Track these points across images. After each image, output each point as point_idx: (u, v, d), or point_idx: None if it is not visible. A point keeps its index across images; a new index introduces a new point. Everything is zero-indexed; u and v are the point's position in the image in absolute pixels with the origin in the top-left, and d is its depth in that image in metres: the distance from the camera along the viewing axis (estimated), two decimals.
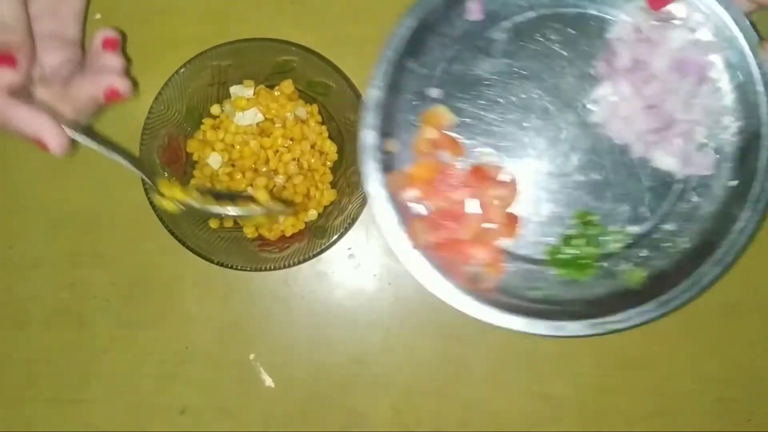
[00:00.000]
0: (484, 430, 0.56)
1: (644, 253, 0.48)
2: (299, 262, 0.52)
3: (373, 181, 0.48)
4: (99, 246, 0.58)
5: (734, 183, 0.46)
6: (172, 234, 0.51)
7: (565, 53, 0.49)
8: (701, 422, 0.55)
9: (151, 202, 0.48)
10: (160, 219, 0.51)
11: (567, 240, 0.48)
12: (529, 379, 0.56)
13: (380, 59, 0.48)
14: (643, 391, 0.56)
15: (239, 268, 0.52)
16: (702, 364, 0.56)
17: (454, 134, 0.50)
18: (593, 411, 0.56)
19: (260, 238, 0.56)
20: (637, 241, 0.48)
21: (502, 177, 0.49)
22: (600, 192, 0.49)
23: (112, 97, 0.39)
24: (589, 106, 0.49)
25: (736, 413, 0.55)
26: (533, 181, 0.49)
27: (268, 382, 0.57)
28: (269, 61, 0.54)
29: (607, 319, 0.45)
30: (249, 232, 0.55)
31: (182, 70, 0.52)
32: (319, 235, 0.54)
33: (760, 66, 0.44)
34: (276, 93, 0.56)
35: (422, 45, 0.49)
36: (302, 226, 0.55)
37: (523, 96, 0.50)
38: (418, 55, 0.49)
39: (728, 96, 0.47)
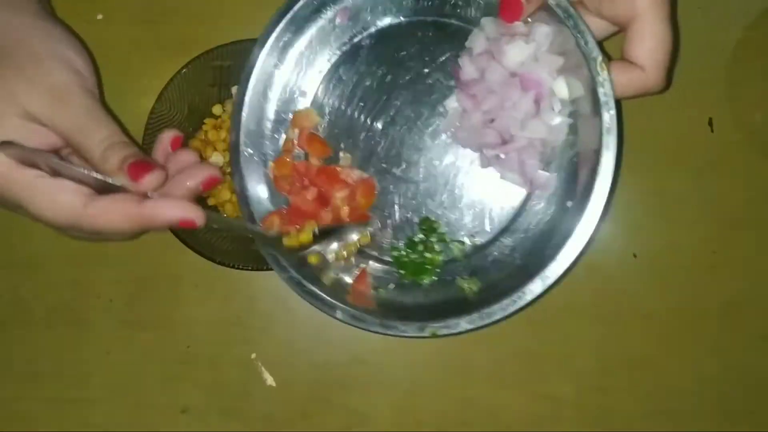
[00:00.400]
0: (484, 430, 0.56)
1: (481, 264, 0.49)
2: None
3: (240, 178, 0.49)
4: (102, 246, 0.58)
5: (570, 203, 0.46)
6: (175, 234, 0.52)
7: (426, 62, 0.50)
8: (702, 422, 0.55)
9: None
10: None
11: (412, 245, 0.49)
12: (529, 379, 0.56)
13: (251, 60, 0.48)
14: (643, 391, 0.56)
15: (241, 267, 0.52)
16: (702, 363, 0.56)
17: (320, 135, 0.51)
18: (594, 411, 0.56)
19: None
20: (476, 252, 0.49)
21: (352, 179, 0.50)
22: (448, 201, 0.49)
23: (212, 185, 0.44)
24: (441, 116, 0.50)
25: (736, 413, 0.56)
26: (388, 185, 0.50)
27: (270, 381, 0.57)
28: None
29: (436, 324, 0.46)
30: None
31: (184, 70, 0.53)
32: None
33: (600, 85, 0.42)
34: None
35: (291, 48, 0.50)
36: None
37: (385, 102, 0.50)
38: (287, 57, 0.50)
39: (569, 115, 0.46)
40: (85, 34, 0.59)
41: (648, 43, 0.42)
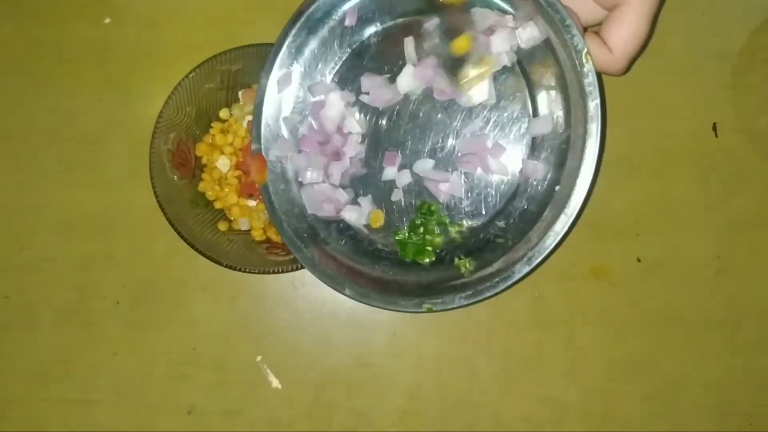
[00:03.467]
0: None
1: (477, 245, 0.51)
2: None
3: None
4: (109, 248, 0.58)
5: (558, 188, 0.48)
6: (182, 237, 0.52)
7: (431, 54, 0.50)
8: (704, 426, 0.56)
9: None
10: (170, 222, 0.52)
11: (413, 227, 0.51)
12: (533, 382, 0.57)
13: (268, 64, 0.50)
14: (646, 395, 0.56)
15: (247, 270, 0.52)
16: (706, 367, 0.56)
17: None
18: (597, 414, 0.56)
19: (268, 241, 0.56)
20: (472, 234, 0.51)
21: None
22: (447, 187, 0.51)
23: None
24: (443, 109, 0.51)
25: (738, 417, 0.56)
26: (393, 171, 0.51)
27: (275, 383, 0.57)
28: None
29: (432, 300, 0.48)
30: (257, 235, 0.56)
31: (192, 74, 0.53)
32: None
33: (585, 76, 0.44)
34: None
35: (305, 47, 0.51)
36: None
37: (390, 97, 0.50)
38: (301, 57, 0.51)
39: (559, 104, 0.48)
40: (93, 37, 0.60)
41: (625, 32, 0.44)
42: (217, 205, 0.56)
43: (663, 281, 0.56)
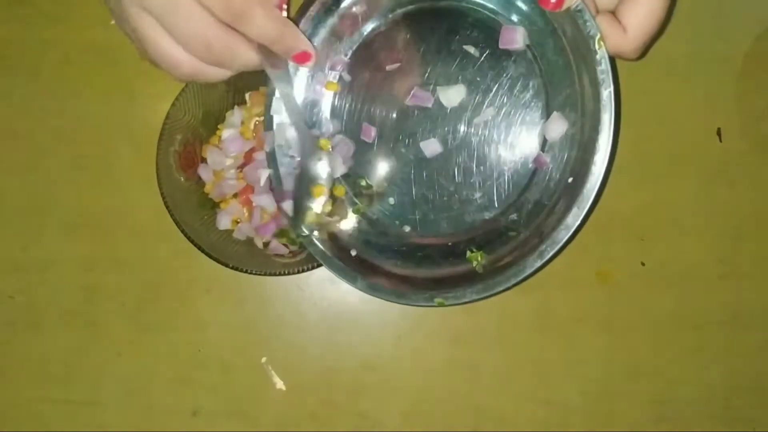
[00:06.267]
0: None
1: (489, 238, 0.50)
2: (312, 268, 0.52)
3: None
4: (114, 249, 0.58)
5: (571, 180, 0.47)
6: (188, 238, 0.52)
7: (433, 44, 0.50)
8: (706, 429, 0.56)
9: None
10: (176, 223, 0.52)
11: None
12: (537, 386, 0.57)
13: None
14: (649, 398, 0.56)
15: (253, 272, 0.52)
16: (708, 371, 0.56)
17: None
18: (600, 417, 0.56)
19: None
20: (485, 226, 0.50)
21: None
22: (459, 177, 0.50)
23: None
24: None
25: (740, 420, 0.56)
26: (403, 165, 0.51)
27: (280, 385, 0.57)
28: None
29: (444, 294, 0.47)
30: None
31: None
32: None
33: (597, 63, 0.43)
34: None
35: (314, 39, 0.50)
36: None
37: (399, 86, 0.50)
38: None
39: (573, 92, 0.47)
40: (99, 38, 0.60)
41: (640, 10, 0.42)
42: (224, 207, 0.56)
43: (667, 285, 0.57)
